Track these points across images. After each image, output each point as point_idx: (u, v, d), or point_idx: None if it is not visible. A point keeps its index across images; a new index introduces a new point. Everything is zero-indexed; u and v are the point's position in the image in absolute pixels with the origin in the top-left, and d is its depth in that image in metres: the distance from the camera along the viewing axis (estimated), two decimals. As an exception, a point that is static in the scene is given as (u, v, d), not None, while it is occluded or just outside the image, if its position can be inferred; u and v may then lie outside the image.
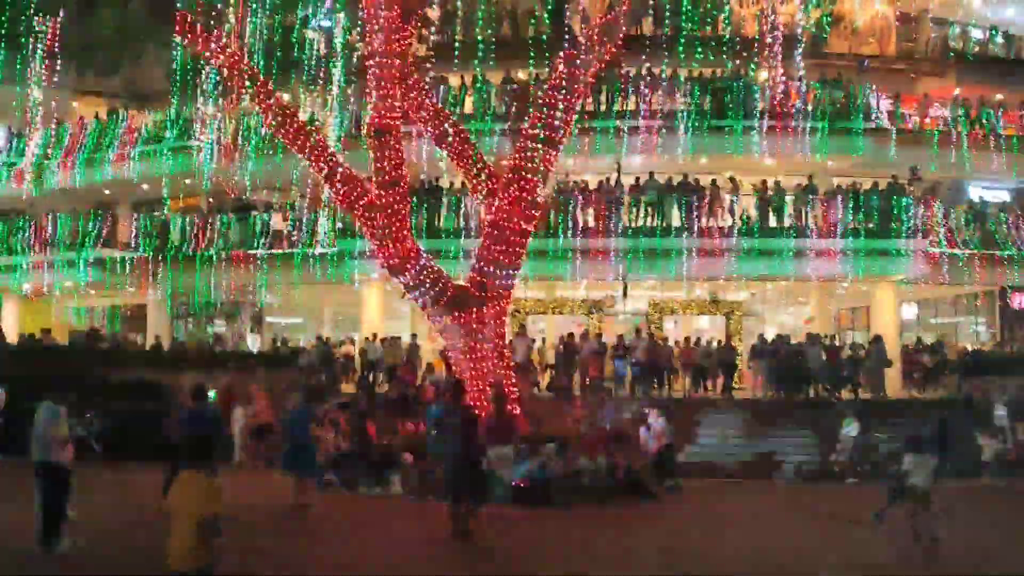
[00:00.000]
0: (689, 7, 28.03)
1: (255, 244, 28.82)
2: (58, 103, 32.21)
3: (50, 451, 12.02)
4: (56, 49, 20.33)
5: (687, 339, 27.04)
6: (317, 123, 25.98)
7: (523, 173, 18.24)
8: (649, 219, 26.68)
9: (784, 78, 27.28)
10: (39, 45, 19.93)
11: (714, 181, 27.01)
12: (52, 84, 23.05)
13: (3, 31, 19.66)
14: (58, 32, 19.77)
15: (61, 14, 19.27)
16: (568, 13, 27.98)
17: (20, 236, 31.76)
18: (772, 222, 26.60)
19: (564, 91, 18.42)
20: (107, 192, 33.44)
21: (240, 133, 28.82)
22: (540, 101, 18.85)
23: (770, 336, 27.60)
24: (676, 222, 26.50)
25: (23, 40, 19.73)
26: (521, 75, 28.01)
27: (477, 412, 15.54)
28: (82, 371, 23.44)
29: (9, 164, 34.19)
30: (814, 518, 16.26)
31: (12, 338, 29.86)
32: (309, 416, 15.67)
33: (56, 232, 31.19)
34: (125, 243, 30.83)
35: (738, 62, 27.31)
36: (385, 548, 12.94)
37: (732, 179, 27.31)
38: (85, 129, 32.64)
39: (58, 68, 22.45)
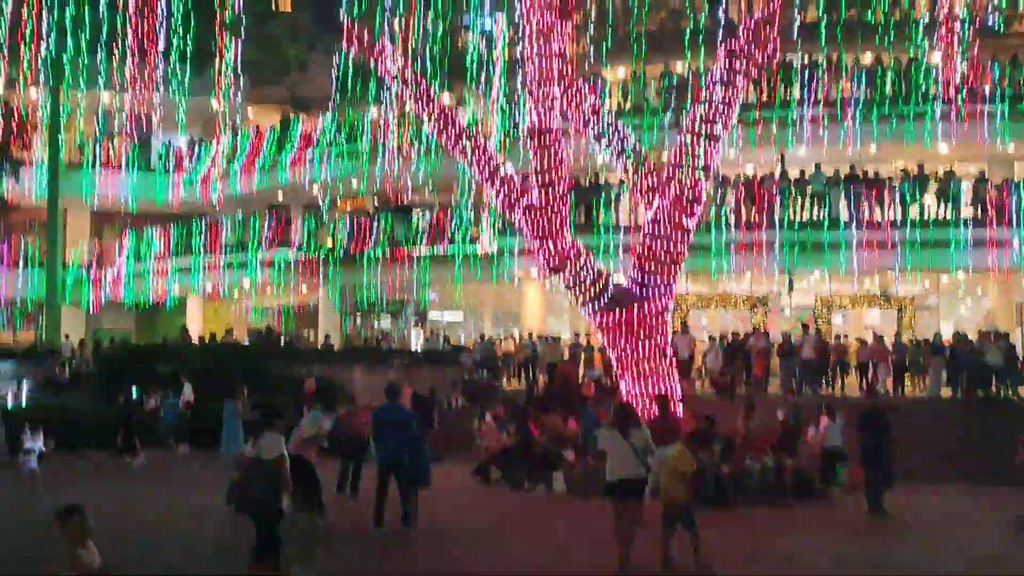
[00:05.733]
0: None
1: (418, 243, 29.54)
2: (236, 112, 33.97)
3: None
4: (234, 62, 21.41)
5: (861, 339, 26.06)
6: (478, 125, 26.42)
7: (684, 168, 18.02)
8: (815, 211, 25.94)
9: (957, 61, 26.03)
10: (220, 59, 21.04)
11: (877, 174, 26.07)
12: (231, 95, 24.33)
13: (187, 49, 20.88)
14: (236, 46, 20.83)
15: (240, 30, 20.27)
16: (727, 3, 27.45)
17: (201, 239, 33.62)
18: (947, 212, 25.45)
19: (725, 84, 18.09)
20: (280, 196, 35.00)
21: (403, 136, 29.63)
22: (700, 95, 18.58)
23: (947, 332, 26.36)
24: (844, 214, 25.71)
25: (205, 55, 20.88)
26: (680, 68, 27.69)
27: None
28: (260, 368, 24.64)
29: (192, 171, 36.26)
30: (1003, 523, 15.39)
31: (196, 337, 31.67)
32: (410, 416, 14.49)
33: (234, 235, 32.87)
34: (299, 244, 32.18)
35: (908, 46, 26.21)
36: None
37: (904, 169, 26.25)
38: (260, 136, 34.24)
39: (237, 80, 23.66)
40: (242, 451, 15.01)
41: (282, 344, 30.75)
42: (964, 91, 25.73)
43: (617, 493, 11.68)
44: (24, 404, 24.86)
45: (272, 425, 10.96)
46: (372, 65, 20.02)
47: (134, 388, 24.16)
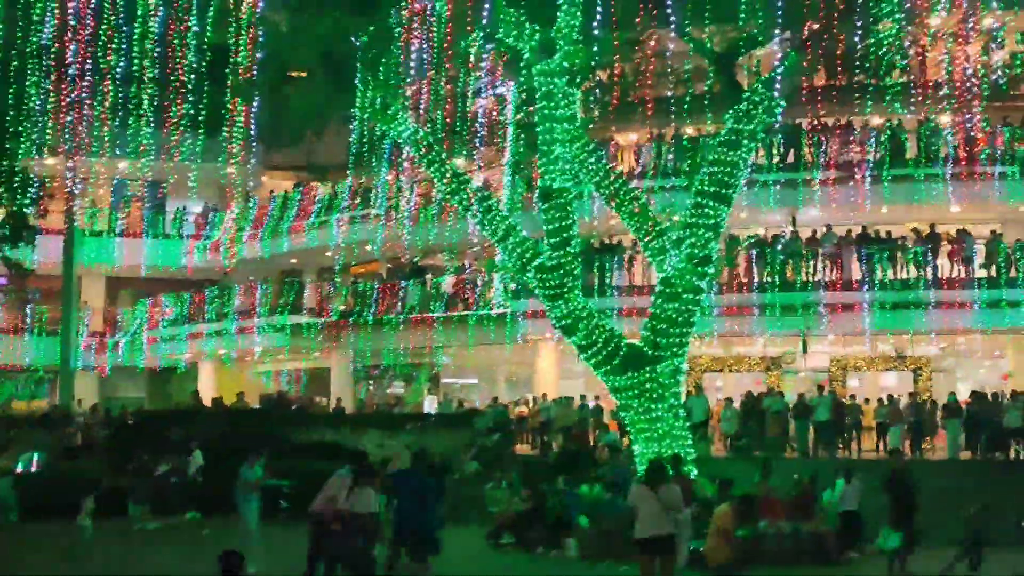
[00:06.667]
0: (862, 55, 27.31)
1: (431, 307, 29.59)
2: (249, 178, 34.41)
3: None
4: (248, 128, 21.65)
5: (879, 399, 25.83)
6: (490, 187, 26.61)
7: (695, 229, 18.06)
8: (828, 272, 25.94)
9: (968, 122, 26.17)
10: (234, 126, 21.29)
11: (889, 233, 26.12)
12: (245, 161, 24.62)
13: (200, 115, 21.15)
14: (250, 112, 21.08)
15: (254, 96, 20.53)
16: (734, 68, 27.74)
17: (214, 305, 33.77)
18: (961, 272, 25.39)
19: (735, 146, 18.20)
20: (293, 261, 35.19)
21: (415, 199, 29.90)
22: (711, 157, 18.68)
23: (964, 393, 26.10)
24: (856, 275, 25.69)
25: (219, 120, 21.12)
26: (690, 131, 27.92)
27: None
28: (272, 432, 24.49)
29: (206, 237, 36.57)
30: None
31: (208, 402, 31.62)
32: (431, 481, 14.49)
33: (247, 300, 33.02)
34: (311, 309, 32.28)
35: (917, 108, 26.37)
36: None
37: (915, 230, 26.27)
38: (273, 202, 34.57)
39: (252, 146, 23.93)
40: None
41: (293, 409, 30.63)
42: (975, 152, 25.81)
43: (648, 550, 11.76)
44: (36, 471, 24.75)
45: (366, 481, 11.13)
46: (386, 130, 20.26)
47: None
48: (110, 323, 37.30)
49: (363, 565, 10.79)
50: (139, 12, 19.25)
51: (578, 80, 18.96)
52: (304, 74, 21.08)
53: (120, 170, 36.00)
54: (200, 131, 22.72)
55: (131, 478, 22.59)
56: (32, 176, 27.18)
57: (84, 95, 22.35)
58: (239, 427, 24.81)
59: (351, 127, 22.43)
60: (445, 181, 19.55)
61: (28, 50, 20.58)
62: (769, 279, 25.88)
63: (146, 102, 21.01)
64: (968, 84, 24.93)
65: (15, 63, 20.93)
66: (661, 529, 11.69)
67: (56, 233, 33.13)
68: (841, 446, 24.57)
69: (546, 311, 19.17)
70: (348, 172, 29.11)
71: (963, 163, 25.69)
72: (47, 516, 21.17)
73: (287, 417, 28.23)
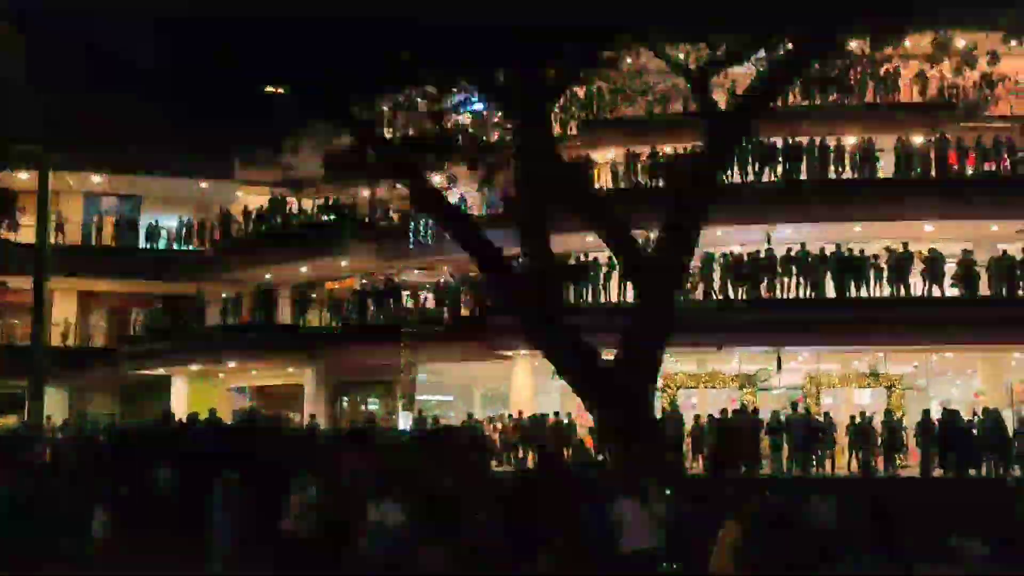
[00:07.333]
0: (835, 74, 27.58)
1: (406, 323, 29.47)
2: (224, 193, 34.20)
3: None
4: (223, 142, 21.55)
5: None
6: (465, 203, 26.60)
7: (670, 246, 18.04)
8: (802, 289, 26.06)
9: (940, 142, 26.46)
10: (209, 140, 21.16)
11: (862, 251, 26.31)
12: (219, 176, 24.51)
13: (176, 129, 20.99)
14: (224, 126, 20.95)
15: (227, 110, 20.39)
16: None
17: (188, 320, 33.53)
18: (933, 290, 25.60)
19: (709, 163, 18.25)
20: (267, 276, 34.98)
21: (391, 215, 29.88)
22: (686, 174, 18.73)
23: (936, 411, 26.25)
24: (830, 292, 25.81)
25: (194, 134, 20.96)
26: (667, 149, 28.03)
27: None
28: (243, 449, 24.22)
29: (180, 252, 36.34)
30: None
31: (180, 417, 31.28)
32: None
33: (221, 315, 32.80)
34: (285, 324, 32.07)
35: (890, 127, 26.64)
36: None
37: (888, 248, 26.45)
38: (248, 216, 34.40)
39: (224, 160, 23.80)
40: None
41: (265, 425, 30.34)
42: (948, 170, 26.10)
43: (633, 563, 11.74)
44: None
45: (392, 492, 11.28)
46: (360, 143, 20.19)
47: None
48: (82, 338, 36.90)
49: None
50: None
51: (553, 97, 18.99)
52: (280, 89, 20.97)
53: (93, 184, 35.72)
54: (176, 145, 22.61)
55: (103, 494, 22.28)
56: (3, 189, 26.93)
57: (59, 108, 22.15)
58: (211, 443, 24.52)
59: (329, 142, 22.39)
60: (420, 196, 19.46)
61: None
62: (744, 296, 25.97)
63: (121, 115, 20.79)
64: (941, 104, 25.25)
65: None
66: (648, 542, 11.63)
67: (27, 247, 32.78)
68: (815, 463, 24.58)
69: (522, 327, 19.10)
70: (324, 187, 29.13)
71: (936, 182, 25.97)
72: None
73: (259, 433, 27.92)
